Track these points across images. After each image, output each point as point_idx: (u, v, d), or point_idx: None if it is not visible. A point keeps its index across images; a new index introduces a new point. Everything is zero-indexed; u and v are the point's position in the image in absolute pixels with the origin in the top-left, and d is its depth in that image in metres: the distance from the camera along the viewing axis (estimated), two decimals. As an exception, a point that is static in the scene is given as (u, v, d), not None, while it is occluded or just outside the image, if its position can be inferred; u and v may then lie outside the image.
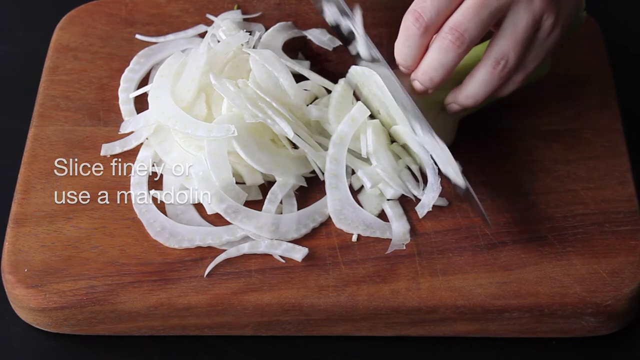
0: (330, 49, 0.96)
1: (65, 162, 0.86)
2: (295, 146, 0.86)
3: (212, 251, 0.82)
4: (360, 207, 0.85)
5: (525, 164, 0.88)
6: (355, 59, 0.89)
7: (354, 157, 0.86)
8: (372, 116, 0.87)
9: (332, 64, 0.94)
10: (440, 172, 0.83)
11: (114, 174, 0.86)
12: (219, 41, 0.92)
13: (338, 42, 0.96)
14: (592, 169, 0.88)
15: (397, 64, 0.82)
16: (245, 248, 0.82)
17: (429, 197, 0.83)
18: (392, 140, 0.88)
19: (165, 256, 0.82)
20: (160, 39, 0.95)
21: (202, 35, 0.95)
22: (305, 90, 0.89)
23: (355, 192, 0.86)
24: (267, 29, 0.96)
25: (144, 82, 0.93)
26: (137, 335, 0.81)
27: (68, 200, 0.84)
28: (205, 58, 0.87)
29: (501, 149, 0.89)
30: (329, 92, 0.89)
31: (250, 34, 0.91)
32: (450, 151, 0.86)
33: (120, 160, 0.87)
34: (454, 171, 0.80)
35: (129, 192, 0.85)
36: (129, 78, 0.92)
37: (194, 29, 0.96)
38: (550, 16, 0.78)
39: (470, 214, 0.84)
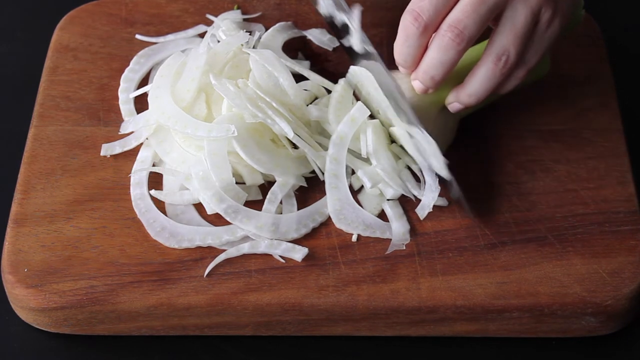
0: (330, 49, 0.96)
1: (66, 162, 0.87)
2: (295, 146, 0.86)
3: (212, 251, 0.82)
4: (360, 207, 0.85)
5: (525, 164, 0.88)
6: (349, 53, 0.89)
7: (354, 157, 0.86)
8: (372, 116, 0.87)
9: (332, 64, 0.94)
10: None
11: (114, 174, 0.86)
12: (219, 41, 0.92)
13: (338, 43, 0.95)
14: (592, 169, 0.88)
15: (397, 64, 0.82)
16: (245, 248, 0.82)
17: (428, 198, 0.83)
18: (392, 140, 0.88)
19: (165, 256, 0.82)
20: (160, 39, 0.95)
21: (202, 35, 0.95)
22: (305, 90, 0.90)
23: (355, 192, 0.86)
24: (267, 29, 0.96)
25: (144, 82, 0.93)
26: (137, 335, 0.81)
27: (68, 200, 0.84)
28: (205, 58, 0.87)
29: (501, 149, 0.89)
30: (329, 92, 0.89)
31: (250, 34, 0.91)
32: (451, 151, 0.87)
33: (120, 160, 0.87)
34: (438, 164, 0.80)
35: (129, 192, 0.85)
36: (129, 78, 0.92)
37: (194, 29, 0.96)
38: (548, 9, 0.78)
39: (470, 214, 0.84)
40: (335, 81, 0.89)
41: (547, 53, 0.83)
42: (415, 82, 0.82)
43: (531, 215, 0.85)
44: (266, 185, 0.86)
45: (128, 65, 0.93)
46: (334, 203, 0.84)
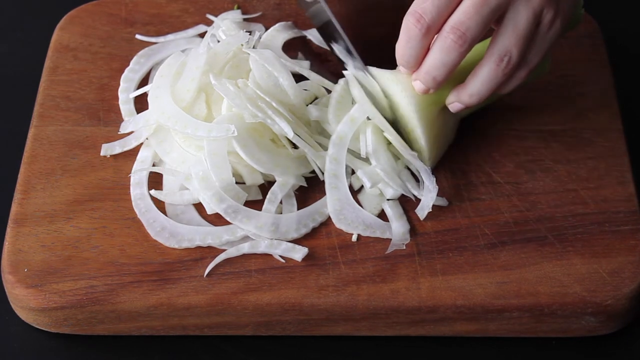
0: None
1: (66, 162, 0.87)
2: (295, 146, 0.86)
3: (212, 251, 0.82)
4: (360, 207, 0.85)
5: (525, 164, 0.88)
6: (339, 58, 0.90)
7: (354, 157, 0.86)
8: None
9: (332, 64, 0.94)
10: (434, 172, 0.83)
11: (114, 174, 0.86)
12: (219, 41, 0.92)
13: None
14: (592, 168, 0.88)
15: (399, 65, 0.82)
16: (245, 248, 0.82)
17: (427, 199, 0.83)
18: (392, 140, 0.88)
19: (165, 256, 0.82)
20: (160, 39, 0.95)
21: (202, 35, 0.95)
22: (305, 90, 0.89)
23: (355, 192, 0.86)
24: (267, 29, 0.96)
25: (144, 82, 0.93)
26: (137, 335, 0.81)
27: (68, 200, 0.84)
28: (205, 58, 0.87)
29: (501, 149, 0.89)
30: (329, 92, 0.89)
31: (250, 34, 0.91)
32: (450, 151, 0.87)
33: (120, 160, 0.87)
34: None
35: (129, 192, 0.85)
36: (129, 78, 0.92)
37: (194, 29, 0.96)
38: (550, 10, 0.79)
39: (470, 214, 0.84)
40: (335, 81, 0.89)
41: (548, 53, 0.83)
42: (416, 83, 0.82)
43: (531, 215, 0.85)
44: (266, 185, 0.86)
45: (128, 65, 0.93)
46: (334, 203, 0.84)
